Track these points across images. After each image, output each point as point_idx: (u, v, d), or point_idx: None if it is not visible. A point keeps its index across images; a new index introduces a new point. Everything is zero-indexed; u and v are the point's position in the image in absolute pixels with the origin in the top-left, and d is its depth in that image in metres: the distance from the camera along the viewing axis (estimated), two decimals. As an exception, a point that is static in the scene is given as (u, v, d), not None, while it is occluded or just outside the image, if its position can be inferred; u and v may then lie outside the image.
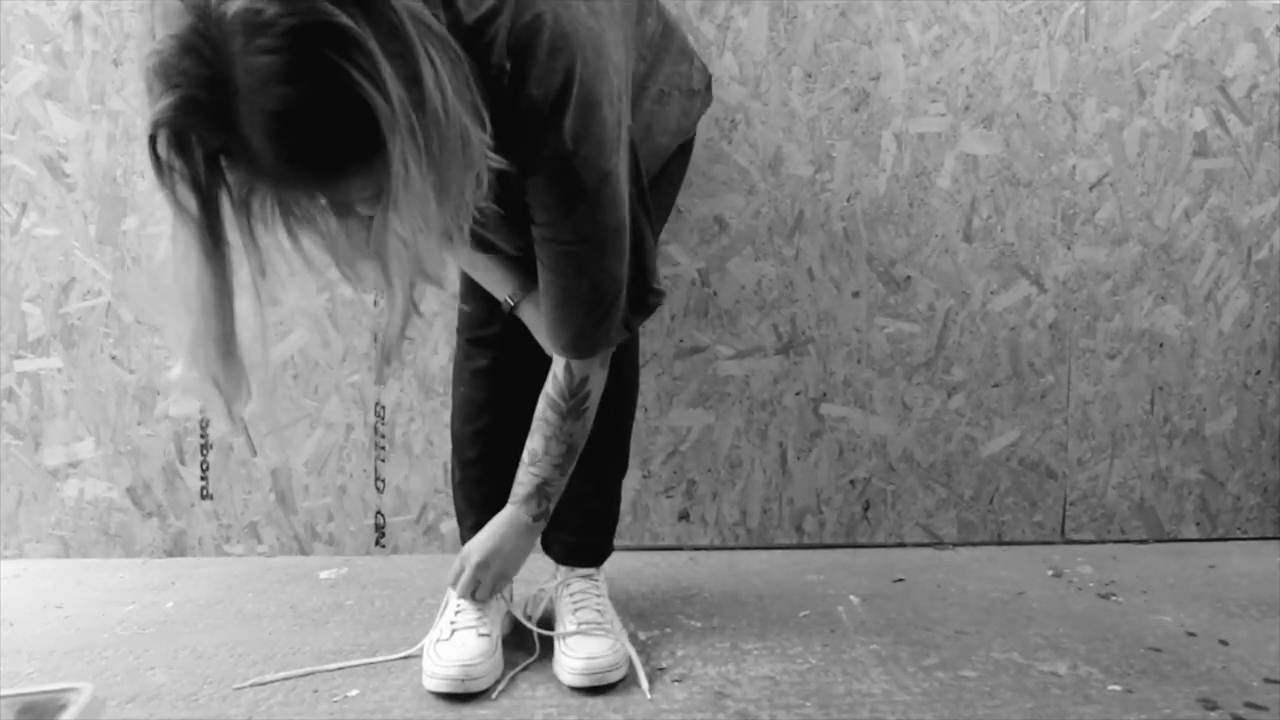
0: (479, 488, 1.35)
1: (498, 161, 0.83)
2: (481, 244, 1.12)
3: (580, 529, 1.32)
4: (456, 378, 1.37)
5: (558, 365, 1.15)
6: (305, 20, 0.67)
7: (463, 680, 1.11)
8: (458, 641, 1.16)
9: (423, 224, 0.76)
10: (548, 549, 1.36)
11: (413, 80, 0.72)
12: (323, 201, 0.77)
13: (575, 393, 1.15)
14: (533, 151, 0.94)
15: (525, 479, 1.19)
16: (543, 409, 1.17)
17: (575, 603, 1.26)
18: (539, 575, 1.41)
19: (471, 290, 1.31)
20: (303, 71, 0.68)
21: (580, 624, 1.21)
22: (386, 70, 0.69)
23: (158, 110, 0.69)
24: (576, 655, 1.15)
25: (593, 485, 1.31)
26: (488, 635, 1.19)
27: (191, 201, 0.73)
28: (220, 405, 0.82)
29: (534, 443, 1.18)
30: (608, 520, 1.36)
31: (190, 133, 0.71)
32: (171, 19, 0.69)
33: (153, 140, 0.71)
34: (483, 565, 1.20)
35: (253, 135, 0.70)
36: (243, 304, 0.78)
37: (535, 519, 1.20)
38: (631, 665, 1.19)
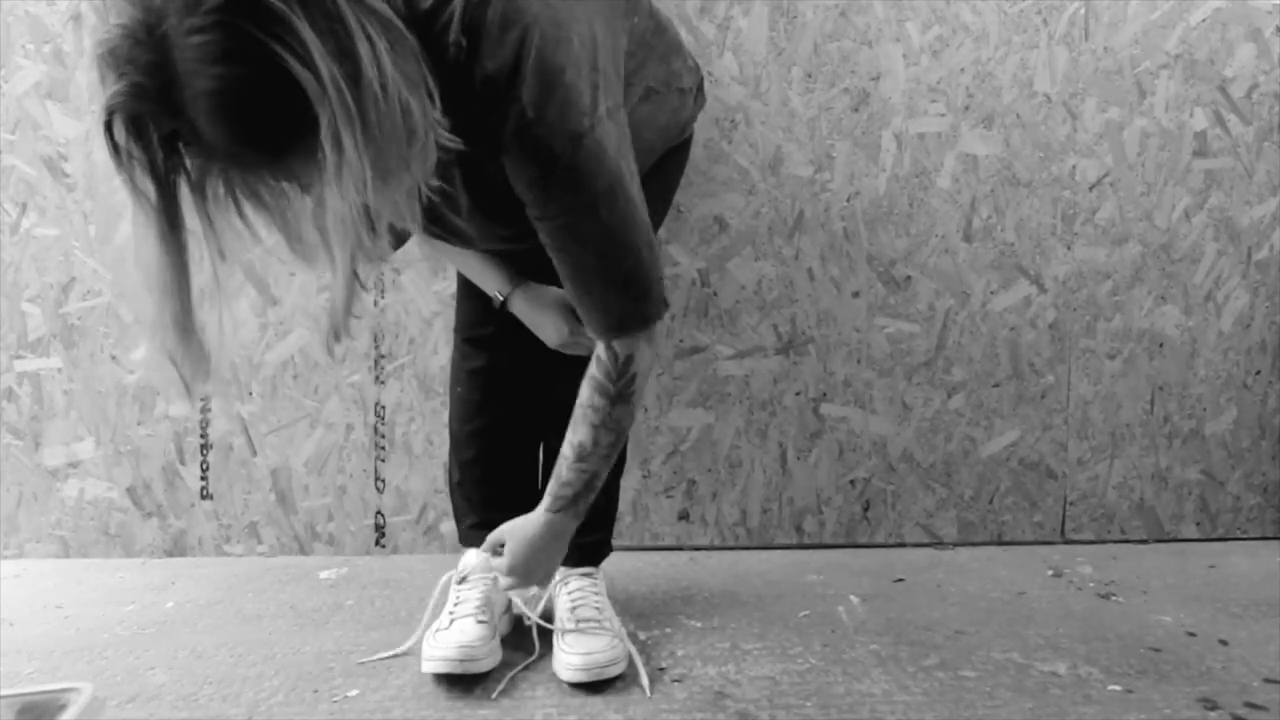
0: (479, 488, 1.35)
1: (452, 140, 0.83)
2: (460, 236, 1.11)
3: (579, 529, 1.32)
4: (454, 378, 1.37)
5: (600, 347, 1.08)
6: (228, 3, 0.69)
7: (461, 661, 1.12)
8: (457, 628, 1.17)
9: (360, 199, 0.76)
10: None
11: (346, 56, 0.72)
12: (274, 181, 0.78)
13: (622, 374, 1.07)
14: (498, 127, 0.93)
15: (573, 478, 1.10)
16: (588, 395, 1.08)
17: (574, 601, 1.26)
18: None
19: (467, 289, 1.31)
20: (232, 50, 0.70)
21: (579, 621, 1.21)
22: (316, 47, 0.71)
23: (109, 96, 0.73)
24: (575, 652, 1.15)
25: None
26: (486, 622, 1.19)
27: (149, 186, 0.75)
28: (179, 384, 0.83)
29: (580, 435, 1.09)
30: (606, 519, 1.36)
31: (145, 119, 0.73)
32: (120, 9, 0.73)
33: (108, 126, 0.73)
34: (531, 577, 1.17)
35: (198, 117, 0.72)
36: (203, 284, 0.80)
37: (580, 517, 1.15)
38: (631, 664, 1.19)
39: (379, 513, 1.74)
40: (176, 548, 1.74)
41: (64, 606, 1.48)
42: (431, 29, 0.87)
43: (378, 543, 1.75)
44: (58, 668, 1.23)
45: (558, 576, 1.32)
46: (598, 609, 1.25)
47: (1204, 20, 1.73)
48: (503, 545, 1.17)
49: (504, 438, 1.35)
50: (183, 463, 1.73)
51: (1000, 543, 1.78)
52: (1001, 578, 1.58)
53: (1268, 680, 1.15)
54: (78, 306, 1.71)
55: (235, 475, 1.73)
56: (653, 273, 1.05)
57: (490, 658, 1.16)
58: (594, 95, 0.97)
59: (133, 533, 1.73)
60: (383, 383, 1.73)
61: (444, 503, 1.73)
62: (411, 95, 0.78)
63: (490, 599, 1.25)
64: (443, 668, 1.12)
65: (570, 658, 1.15)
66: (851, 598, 1.47)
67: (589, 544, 1.34)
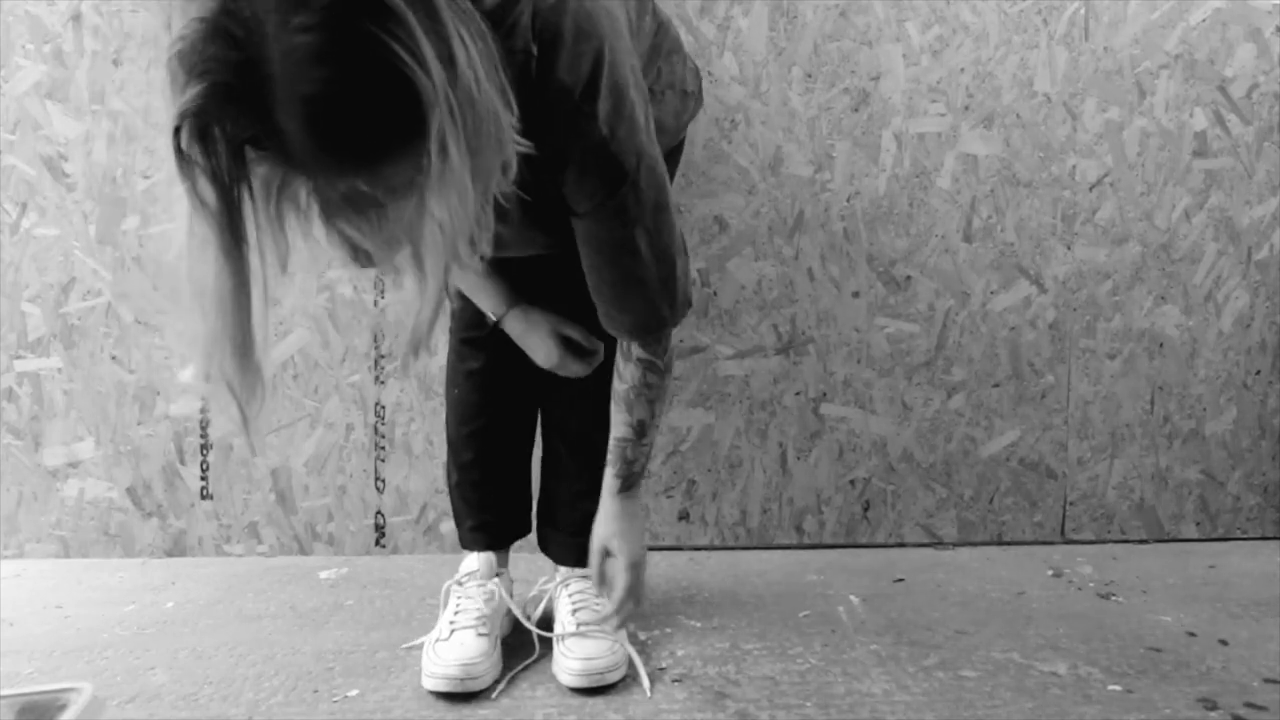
0: (476, 490, 1.34)
1: (525, 146, 0.80)
2: (497, 243, 1.11)
3: (578, 529, 1.32)
4: (450, 379, 1.37)
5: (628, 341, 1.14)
6: (344, 2, 0.65)
7: (462, 680, 1.11)
8: (456, 641, 1.16)
9: (458, 207, 0.73)
10: (546, 549, 1.36)
11: (448, 59, 0.69)
12: (364, 189, 0.73)
13: (666, 350, 1.13)
14: (567, 140, 0.93)
15: (638, 454, 1.16)
16: (640, 376, 1.12)
17: (574, 603, 1.26)
18: (538, 575, 1.41)
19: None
20: (343, 49, 0.65)
21: (579, 625, 1.21)
22: (426, 47, 0.67)
23: (186, 100, 0.65)
24: (574, 656, 1.15)
25: (590, 485, 1.31)
26: (486, 635, 1.19)
27: (211, 195, 0.69)
28: (235, 410, 0.80)
29: (639, 414, 1.14)
30: None
31: (215, 123, 0.67)
32: (201, 2, 0.65)
33: (177, 131, 0.66)
34: (642, 563, 1.18)
35: (288, 122, 0.66)
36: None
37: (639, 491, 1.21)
38: (632, 665, 1.19)
39: (379, 513, 1.74)
40: (176, 548, 1.74)
41: (64, 606, 1.48)
42: (498, 29, 0.84)
43: (378, 543, 1.75)
44: (58, 668, 1.23)
45: (558, 578, 1.32)
46: (598, 611, 1.24)
47: (1204, 20, 1.73)
48: (608, 554, 1.18)
49: (503, 439, 1.35)
50: (183, 463, 1.73)
51: (1000, 543, 1.78)
52: (1001, 578, 1.58)
53: (1268, 680, 1.15)
54: (78, 306, 1.71)
55: (235, 475, 1.73)
56: (685, 278, 1.09)
57: (490, 673, 1.15)
58: (645, 111, 1.00)
59: (133, 533, 1.73)
60: (383, 383, 1.73)
61: (444, 503, 1.73)
62: (499, 101, 0.75)
63: (491, 605, 1.25)
64: (443, 686, 1.11)
65: (570, 662, 1.15)
66: (851, 598, 1.47)
67: (588, 545, 1.33)
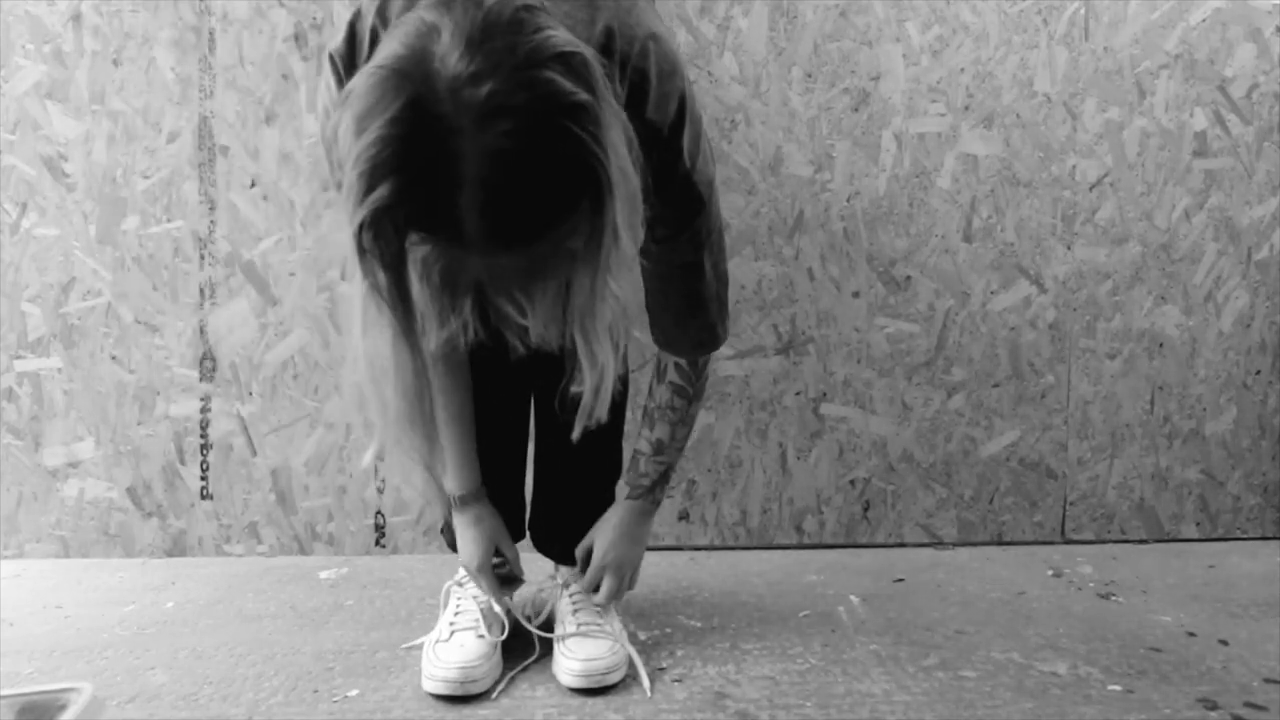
0: None
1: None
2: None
3: (577, 529, 1.32)
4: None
5: (673, 361, 1.18)
6: (546, 104, 0.67)
7: (461, 683, 1.11)
8: (456, 643, 1.16)
9: (628, 283, 0.78)
10: (547, 550, 1.36)
11: (627, 143, 0.73)
12: (531, 270, 0.75)
13: (699, 377, 1.18)
14: (656, 177, 0.94)
15: (651, 469, 1.21)
16: (668, 398, 1.18)
17: (575, 603, 1.26)
18: (539, 575, 1.41)
19: None
20: (541, 147, 0.68)
21: (579, 625, 1.21)
22: (611, 136, 0.70)
23: (378, 197, 0.67)
24: (575, 657, 1.15)
25: (588, 486, 1.31)
26: (486, 636, 1.19)
27: (385, 281, 0.72)
28: (425, 478, 0.84)
29: (659, 432, 1.20)
30: None
31: (397, 217, 0.70)
32: (384, 93, 0.67)
33: (361, 226, 0.69)
34: (625, 565, 1.24)
35: (468, 215, 0.69)
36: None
37: (658, 504, 1.25)
38: (632, 665, 1.19)
39: (379, 513, 1.74)
40: (176, 548, 1.74)
41: (64, 606, 1.48)
42: None
43: (378, 543, 1.75)
44: (58, 668, 1.23)
45: (559, 578, 1.32)
46: (598, 612, 1.24)
47: (1204, 20, 1.73)
48: (590, 552, 1.24)
49: (494, 436, 1.32)
50: (183, 463, 1.73)
51: (1000, 543, 1.78)
52: (1001, 578, 1.58)
53: (1268, 680, 1.15)
54: (78, 306, 1.71)
55: (235, 475, 1.73)
56: (729, 296, 1.16)
57: (490, 675, 1.15)
58: (708, 138, 1.06)
59: (133, 533, 1.73)
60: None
61: (444, 503, 1.73)
62: (637, 175, 0.77)
63: (491, 606, 1.24)
64: (443, 689, 1.11)
65: (570, 663, 1.15)
66: (851, 598, 1.47)
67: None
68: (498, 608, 1.24)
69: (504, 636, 1.23)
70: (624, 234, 0.74)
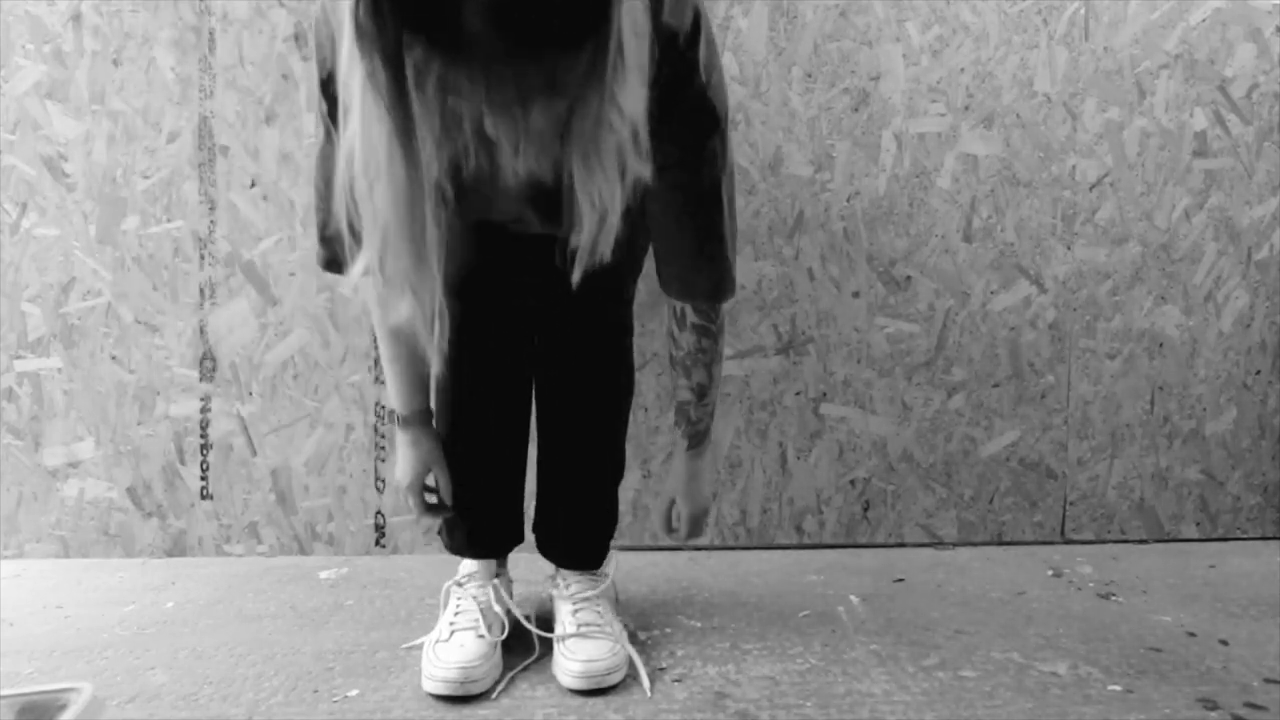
0: (469, 493, 1.30)
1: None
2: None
3: (579, 531, 1.31)
4: (441, 383, 1.31)
5: (690, 308, 1.17)
6: None
7: (462, 683, 1.11)
8: (456, 643, 1.16)
9: (634, 109, 0.74)
10: (549, 553, 1.35)
11: None
12: (531, 82, 0.72)
13: (719, 313, 1.18)
14: (670, 84, 0.94)
15: (699, 415, 1.22)
16: (694, 342, 1.17)
17: (575, 604, 1.26)
18: (538, 575, 1.41)
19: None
20: None
21: (580, 626, 1.21)
22: None
23: None
24: (575, 658, 1.15)
25: (591, 488, 1.31)
26: (486, 636, 1.18)
27: (384, 76, 0.70)
28: (409, 303, 0.80)
29: (697, 377, 1.20)
30: (607, 523, 1.34)
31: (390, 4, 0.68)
32: None
33: (357, 4, 0.68)
34: (706, 511, 1.28)
35: (471, 12, 0.67)
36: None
37: (711, 443, 1.27)
38: (632, 665, 1.19)
39: (379, 513, 1.74)
40: (176, 548, 1.74)
41: (64, 606, 1.48)
42: None
43: (378, 543, 1.75)
44: (58, 668, 1.23)
45: (559, 580, 1.32)
46: (599, 612, 1.24)
47: (1204, 20, 1.73)
48: (672, 508, 1.29)
49: (496, 438, 1.30)
50: (183, 463, 1.73)
51: (1000, 543, 1.78)
52: (1001, 578, 1.58)
53: (1268, 680, 1.15)
54: (78, 306, 1.71)
55: (235, 475, 1.73)
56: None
57: (490, 675, 1.15)
58: (721, 70, 1.04)
59: (133, 533, 1.73)
60: (383, 383, 1.72)
61: (444, 503, 1.73)
62: (646, 21, 0.78)
63: (491, 606, 1.24)
64: (443, 689, 1.11)
65: (570, 664, 1.14)
66: (851, 598, 1.47)
67: (588, 548, 1.33)
68: (497, 607, 1.24)
69: (504, 636, 1.23)
70: (631, 59, 0.72)
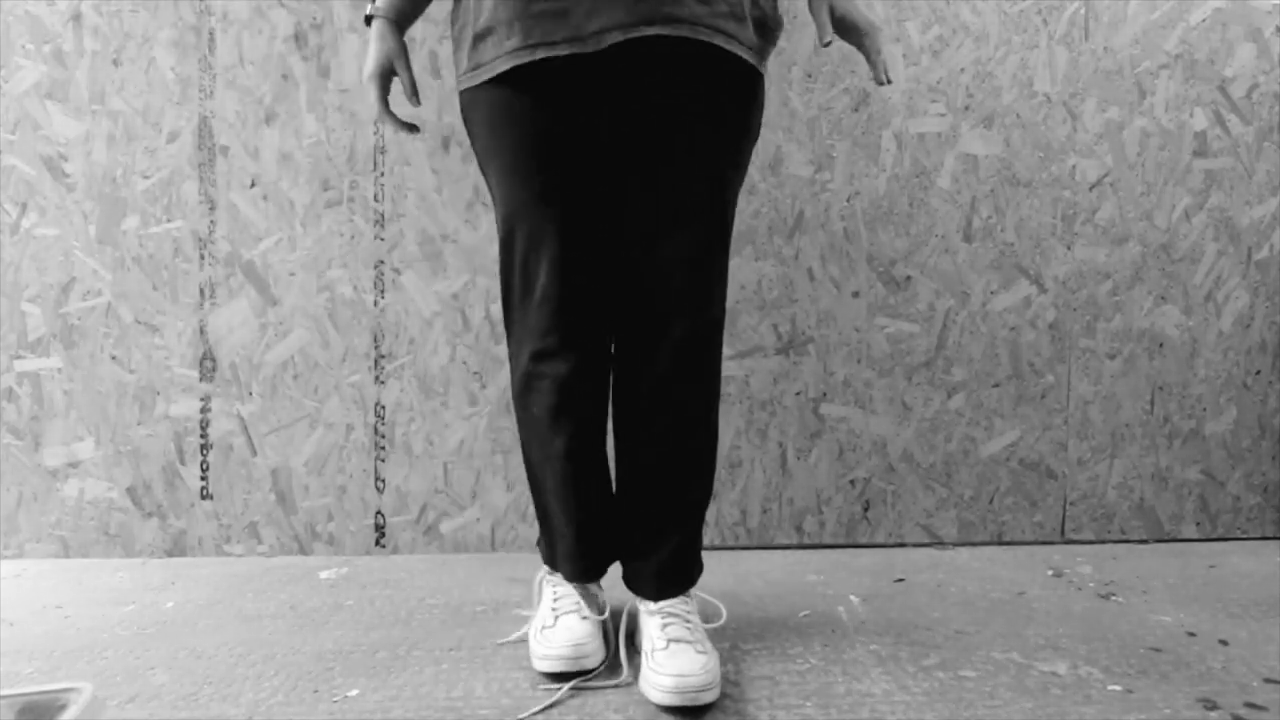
0: (568, 515, 1.24)
1: None
2: None
3: (667, 560, 1.21)
4: (522, 401, 1.23)
5: None
6: None
7: (575, 659, 1.12)
8: (563, 626, 1.17)
9: None
10: (633, 585, 1.23)
11: None
12: None
13: None
14: None
15: None
16: None
17: (665, 618, 1.16)
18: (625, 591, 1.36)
19: (543, 295, 1.19)
20: None
21: (670, 640, 1.12)
22: None
23: None
24: (666, 673, 1.06)
25: (673, 509, 1.21)
26: (590, 617, 1.19)
27: None
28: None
29: None
30: (697, 542, 1.24)
31: None
32: None
33: None
34: (874, 29, 1.18)
35: None
36: None
37: None
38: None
39: (379, 513, 1.74)
40: (176, 548, 1.74)
41: (64, 606, 1.48)
42: None
43: (378, 543, 1.75)
44: (58, 668, 1.23)
45: (644, 609, 1.20)
46: (689, 627, 1.15)
47: (1204, 20, 1.73)
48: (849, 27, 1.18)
49: (587, 454, 1.23)
50: (183, 463, 1.73)
51: (1000, 543, 1.78)
52: (1001, 578, 1.58)
53: (1268, 680, 1.15)
54: (78, 306, 1.71)
55: (235, 475, 1.73)
56: None
57: (599, 652, 1.15)
58: None
59: (133, 533, 1.73)
60: (383, 383, 1.73)
61: (444, 503, 1.73)
62: None
63: (587, 588, 1.24)
64: (557, 666, 1.13)
65: (661, 679, 1.06)
66: (851, 598, 1.47)
67: (684, 565, 1.22)
68: (593, 587, 1.25)
69: (605, 616, 1.24)
70: None
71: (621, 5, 1.01)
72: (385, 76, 1.18)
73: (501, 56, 1.07)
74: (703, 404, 1.18)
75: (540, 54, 1.04)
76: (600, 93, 1.08)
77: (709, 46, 1.05)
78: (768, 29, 1.12)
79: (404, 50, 1.20)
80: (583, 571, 1.24)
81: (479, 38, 1.09)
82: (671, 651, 1.09)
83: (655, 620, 1.17)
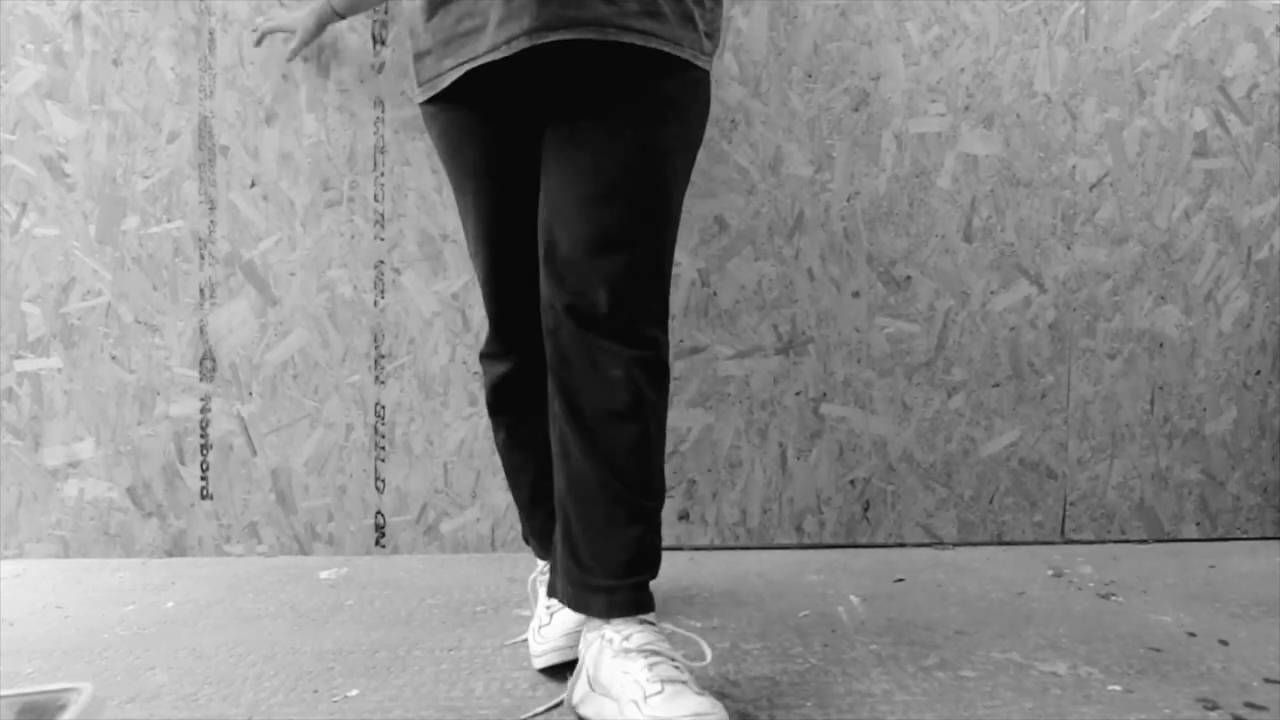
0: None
1: None
2: None
3: (627, 568, 1.09)
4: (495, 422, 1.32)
5: None
6: None
7: (572, 649, 1.15)
8: (558, 621, 1.19)
9: None
10: (585, 607, 1.09)
11: None
12: None
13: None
14: None
15: None
16: None
17: (650, 660, 1.01)
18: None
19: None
20: None
21: (662, 682, 0.98)
22: None
23: None
24: (675, 714, 0.94)
25: (632, 506, 1.09)
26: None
27: None
28: None
29: None
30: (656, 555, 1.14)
31: None
32: None
33: None
34: None
35: None
36: None
37: None
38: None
39: (379, 513, 1.74)
40: (176, 548, 1.74)
41: (64, 606, 1.48)
42: None
43: (378, 543, 1.75)
44: (58, 668, 1.23)
45: (616, 635, 1.06)
46: (677, 667, 1.02)
47: (1204, 20, 1.73)
48: None
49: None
50: (183, 463, 1.73)
51: (1000, 543, 1.78)
52: (1001, 578, 1.58)
53: (1268, 680, 1.15)
54: (78, 306, 1.71)
55: (235, 475, 1.73)
56: None
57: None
58: None
59: (133, 533, 1.73)
60: (383, 383, 1.73)
61: (444, 503, 1.73)
62: None
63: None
64: (554, 659, 1.15)
65: None
66: (851, 598, 1.47)
67: (641, 584, 1.10)
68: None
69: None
70: None
71: (528, 13, 1.01)
72: (306, 31, 1.56)
73: (440, 75, 1.13)
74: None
75: (464, 69, 1.08)
76: (526, 103, 1.11)
77: (620, 46, 1.03)
78: (693, 19, 1.09)
79: (315, 32, 1.56)
80: (544, 549, 1.33)
81: (418, 58, 1.17)
82: (666, 695, 0.96)
83: (639, 664, 1.01)
